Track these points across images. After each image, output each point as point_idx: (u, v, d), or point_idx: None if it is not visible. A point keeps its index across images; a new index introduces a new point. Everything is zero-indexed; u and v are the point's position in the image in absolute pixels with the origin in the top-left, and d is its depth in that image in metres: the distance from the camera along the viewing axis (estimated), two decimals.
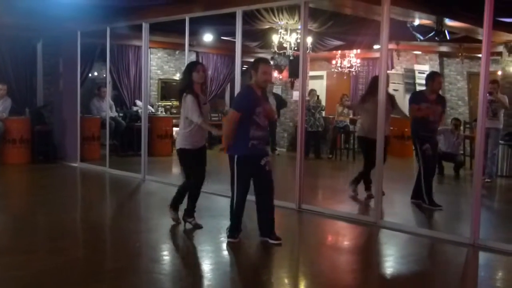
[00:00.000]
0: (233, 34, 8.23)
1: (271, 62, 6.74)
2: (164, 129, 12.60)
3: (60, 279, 4.39)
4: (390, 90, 8.38)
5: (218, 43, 12.88)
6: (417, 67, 14.06)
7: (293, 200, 7.05)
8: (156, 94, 14.28)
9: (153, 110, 13.18)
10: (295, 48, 10.96)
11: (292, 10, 9.29)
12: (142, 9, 9.15)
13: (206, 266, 4.97)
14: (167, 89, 14.48)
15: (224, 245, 5.56)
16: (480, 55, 5.66)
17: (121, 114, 12.45)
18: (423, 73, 13.82)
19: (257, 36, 11.54)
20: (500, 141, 9.82)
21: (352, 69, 14.39)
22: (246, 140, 5.31)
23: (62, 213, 6.84)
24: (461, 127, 11.21)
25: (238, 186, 5.42)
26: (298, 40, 10.44)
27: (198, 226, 5.99)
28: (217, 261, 5.10)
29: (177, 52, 14.38)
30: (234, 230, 5.52)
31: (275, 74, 14.35)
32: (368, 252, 5.74)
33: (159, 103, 14.09)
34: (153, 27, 9.55)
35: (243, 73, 8.06)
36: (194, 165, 6.00)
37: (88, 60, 12.04)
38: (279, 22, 10.32)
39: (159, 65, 14.40)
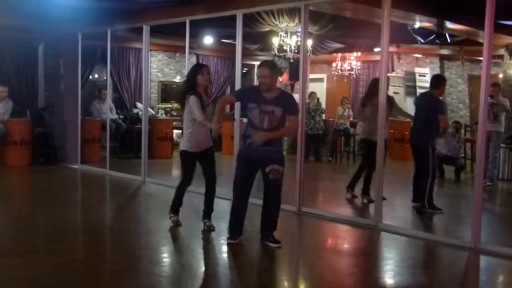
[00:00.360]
0: (233, 37, 8.22)
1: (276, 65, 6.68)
2: (164, 131, 12.61)
3: (60, 281, 4.39)
4: (390, 93, 8.36)
5: (218, 45, 12.89)
6: (417, 70, 14.06)
7: (293, 203, 7.04)
8: (157, 97, 14.30)
9: (153, 113, 13.18)
10: (295, 51, 10.97)
11: (292, 12, 9.29)
12: (143, 11, 9.16)
13: (206, 268, 4.96)
14: (167, 92, 14.50)
15: (224, 248, 5.55)
16: (481, 58, 5.66)
17: (121, 116, 12.46)
18: (424, 76, 13.86)
19: (257, 38, 11.54)
20: (502, 145, 9.80)
21: (353, 72, 14.40)
22: (245, 138, 5.46)
23: (62, 214, 6.84)
24: (462, 130, 11.20)
25: (235, 183, 5.52)
26: (299, 43, 10.44)
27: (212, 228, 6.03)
28: (217, 264, 5.09)
29: (177, 54, 14.40)
30: (232, 231, 5.52)
31: None
32: (368, 255, 5.72)
33: (160, 106, 14.11)
34: (154, 30, 9.56)
35: (243, 75, 8.06)
36: (190, 167, 6.02)
37: (89, 62, 12.07)
38: (279, 25, 10.32)
39: (160, 67, 14.42)
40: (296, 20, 9.69)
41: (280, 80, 14.76)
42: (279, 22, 10.09)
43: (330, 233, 6.55)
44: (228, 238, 5.52)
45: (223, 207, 7.39)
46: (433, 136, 7.22)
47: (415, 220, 7.11)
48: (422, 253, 5.74)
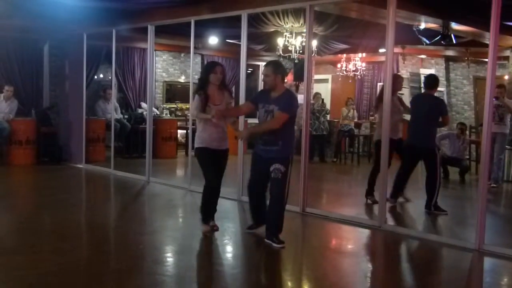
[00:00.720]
0: (238, 37, 8.23)
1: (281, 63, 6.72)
2: (169, 131, 12.62)
3: (64, 280, 4.40)
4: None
5: (223, 46, 12.89)
6: (422, 71, 14.04)
7: (297, 204, 7.03)
8: (161, 97, 14.32)
9: (158, 113, 13.20)
10: (300, 52, 10.96)
11: (297, 13, 9.29)
12: (148, 11, 9.17)
13: (210, 268, 4.96)
14: (172, 92, 14.51)
15: (228, 248, 5.56)
16: (486, 60, 5.64)
17: (126, 116, 12.49)
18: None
19: (262, 39, 11.54)
20: (507, 146, 9.77)
21: (358, 73, 14.39)
22: (256, 138, 5.65)
23: (66, 214, 6.85)
24: (467, 132, 11.17)
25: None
26: (303, 43, 10.44)
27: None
28: (220, 264, 5.10)
29: (182, 54, 14.41)
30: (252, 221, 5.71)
31: None
32: (372, 256, 5.72)
33: (164, 106, 14.12)
34: (159, 30, 9.57)
35: (248, 76, 8.07)
36: (207, 165, 5.75)
37: (94, 62, 12.11)
38: (284, 25, 10.32)
39: (164, 67, 14.43)
40: (301, 21, 9.69)
41: (285, 80, 14.75)
42: (284, 23, 10.09)
43: (334, 234, 6.55)
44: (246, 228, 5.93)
45: (227, 207, 7.42)
46: (435, 139, 7.25)
47: (419, 221, 7.10)
48: (426, 255, 5.72)
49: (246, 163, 7.71)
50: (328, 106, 13.97)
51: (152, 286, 4.36)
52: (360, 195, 7.93)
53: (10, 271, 4.53)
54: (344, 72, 14.37)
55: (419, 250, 5.86)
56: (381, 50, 11.98)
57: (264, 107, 5.49)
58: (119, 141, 11.66)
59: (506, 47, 10.85)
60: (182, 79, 14.59)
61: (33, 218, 6.75)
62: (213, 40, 12.16)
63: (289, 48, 11.12)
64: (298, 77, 13.49)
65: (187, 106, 12.64)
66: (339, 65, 14.46)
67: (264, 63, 6.83)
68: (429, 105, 7.23)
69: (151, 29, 9.29)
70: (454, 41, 9.42)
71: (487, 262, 5.42)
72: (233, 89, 15.32)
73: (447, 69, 14.48)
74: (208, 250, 5.52)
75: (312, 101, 12.03)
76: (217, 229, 5.89)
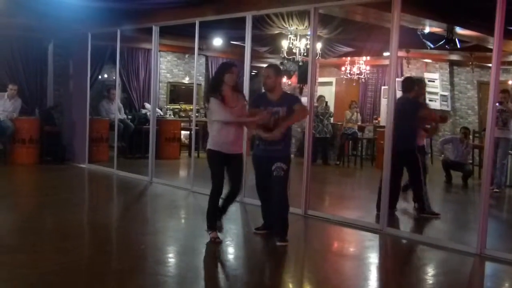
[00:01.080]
0: (242, 39, 8.24)
1: (280, 67, 6.74)
2: (172, 132, 12.63)
3: (66, 279, 4.41)
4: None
5: (227, 47, 12.90)
6: (427, 75, 14.03)
7: (299, 206, 7.03)
8: (165, 97, 14.33)
9: (161, 113, 13.22)
10: (305, 54, 10.97)
11: (302, 15, 9.30)
12: (153, 12, 9.19)
13: (212, 269, 4.97)
14: (176, 93, 14.53)
15: (230, 249, 5.56)
16: (490, 64, 5.64)
17: (129, 117, 12.51)
18: (433, 81, 13.84)
19: (266, 41, 11.56)
20: (510, 151, 9.74)
21: (362, 76, 14.39)
22: (255, 140, 5.83)
23: (69, 213, 6.87)
24: (470, 136, 11.15)
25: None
26: (308, 46, 10.44)
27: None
28: (222, 264, 5.10)
29: (186, 55, 14.43)
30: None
31: (284, 79, 14.35)
32: (373, 260, 5.71)
33: (168, 106, 14.14)
34: (163, 31, 9.59)
35: (252, 78, 8.08)
36: (216, 169, 5.60)
37: (98, 62, 12.13)
38: (289, 28, 10.33)
39: (169, 68, 14.45)
40: (306, 23, 9.70)
41: (289, 83, 14.78)
42: (289, 25, 10.10)
43: (336, 236, 6.55)
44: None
45: (230, 209, 7.42)
46: (416, 139, 7.20)
47: (421, 225, 7.09)
48: (427, 258, 5.72)
49: (248, 164, 7.72)
50: (332, 109, 13.97)
51: (153, 287, 4.36)
52: (362, 198, 7.93)
53: (12, 269, 4.54)
54: (348, 75, 14.38)
55: (420, 254, 5.85)
56: (385, 54, 11.98)
57: (267, 110, 5.55)
58: (122, 141, 11.68)
59: (510, 52, 10.83)
60: (186, 80, 14.60)
61: (36, 217, 6.76)
62: (217, 41, 12.18)
63: (294, 51, 11.13)
64: (302, 79, 13.49)
65: (191, 107, 12.65)
66: (343, 68, 14.47)
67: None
68: (403, 107, 7.11)
69: (155, 30, 9.31)
70: (458, 46, 9.41)
71: (489, 267, 5.41)
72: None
73: (451, 73, 14.46)
74: (210, 251, 5.51)
75: (316, 104, 12.02)
76: (221, 230, 5.73)
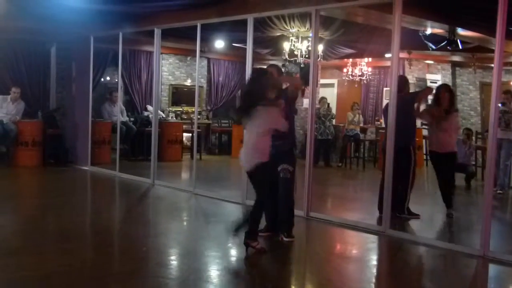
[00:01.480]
0: (244, 41, 8.25)
1: (282, 70, 6.75)
2: (174, 134, 12.66)
3: (68, 281, 4.41)
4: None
5: (229, 49, 12.92)
6: (429, 76, 14.02)
7: (301, 208, 7.02)
8: (167, 100, 14.35)
9: (163, 116, 13.23)
10: (306, 56, 10.97)
11: (303, 17, 9.30)
12: (154, 15, 9.20)
13: (213, 271, 4.96)
14: (178, 95, 14.54)
15: (232, 251, 5.55)
16: (493, 65, 5.63)
17: (132, 119, 12.53)
18: (435, 82, 13.81)
19: (268, 43, 11.56)
20: None
21: (363, 78, 14.38)
22: None
23: (71, 215, 6.88)
24: (473, 138, 11.13)
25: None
26: (309, 48, 10.44)
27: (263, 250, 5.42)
28: (224, 267, 5.09)
29: (188, 58, 14.45)
30: (254, 234, 5.45)
31: None
32: (375, 262, 5.70)
33: (170, 109, 14.16)
34: (165, 33, 9.60)
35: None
36: (268, 181, 5.50)
37: (100, 65, 12.16)
38: (290, 30, 10.33)
39: (171, 70, 14.47)
40: (307, 25, 9.70)
41: None
42: (290, 27, 10.09)
43: (338, 239, 6.53)
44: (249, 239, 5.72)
45: (231, 210, 7.43)
46: (414, 136, 7.17)
47: (424, 226, 7.08)
48: (430, 260, 5.71)
49: None
50: (333, 110, 13.96)
51: None
52: (364, 200, 7.92)
53: (15, 271, 4.55)
54: (350, 76, 14.36)
55: (423, 256, 5.84)
56: (387, 55, 11.97)
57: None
58: (124, 143, 11.69)
59: None
60: (188, 82, 14.62)
61: (39, 219, 6.77)
62: (219, 43, 12.19)
63: (295, 53, 11.13)
64: (304, 81, 13.47)
65: (193, 110, 12.66)
66: (345, 70, 14.46)
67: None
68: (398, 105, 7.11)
69: (157, 33, 9.32)
70: (460, 47, 9.39)
71: (492, 268, 5.39)
72: (239, 93, 15.38)
73: (453, 74, 14.45)
74: (211, 253, 5.51)
75: (317, 106, 12.02)
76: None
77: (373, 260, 5.78)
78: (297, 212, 6.82)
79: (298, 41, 10.94)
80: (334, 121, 13.37)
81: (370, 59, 13.93)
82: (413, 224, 7.11)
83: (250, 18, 7.78)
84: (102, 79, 13.08)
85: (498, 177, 8.97)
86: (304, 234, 6.68)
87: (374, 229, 6.47)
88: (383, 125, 7.95)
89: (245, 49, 8.16)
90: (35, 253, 5.12)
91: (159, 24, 9.27)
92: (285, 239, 5.70)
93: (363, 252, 6.02)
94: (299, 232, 6.58)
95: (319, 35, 8.12)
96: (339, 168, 12.74)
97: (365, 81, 14.62)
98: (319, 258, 5.58)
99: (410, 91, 7.68)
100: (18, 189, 9.07)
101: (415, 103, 7.25)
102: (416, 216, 7.12)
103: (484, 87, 13.87)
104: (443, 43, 9.16)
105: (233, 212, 7.39)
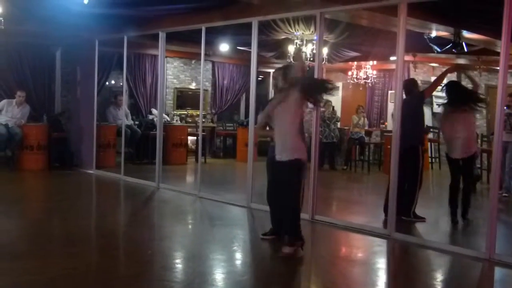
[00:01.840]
0: (249, 44, 8.25)
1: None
2: (179, 137, 12.66)
3: (73, 285, 4.42)
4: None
5: (234, 53, 12.93)
6: (434, 79, 13.96)
7: (306, 211, 7.01)
8: (172, 103, 14.36)
9: (168, 119, 13.25)
10: (311, 59, 10.96)
11: (308, 20, 9.30)
12: (159, 18, 9.22)
13: (218, 275, 4.95)
14: (182, 98, 14.55)
15: (237, 255, 5.55)
16: (498, 68, 5.62)
17: (136, 122, 12.55)
18: (440, 85, 13.74)
19: (273, 46, 11.56)
20: None
21: (368, 81, 14.36)
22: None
23: (76, 219, 6.88)
24: (479, 140, 11.08)
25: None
26: (314, 51, 10.43)
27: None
28: (229, 270, 5.08)
29: (193, 61, 14.46)
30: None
31: None
32: (381, 265, 5.68)
33: (175, 112, 14.17)
34: (170, 36, 9.62)
35: (258, 83, 8.08)
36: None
37: (105, 68, 12.19)
38: (295, 33, 10.33)
39: (175, 74, 14.48)
40: (312, 28, 9.70)
41: None
42: (295, 30, 10.10)
43: (343, 242, 6.52)
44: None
45: (236, 213, 7.43)
46: (421, 136, 7.11)
47: (429, 230, 7.05)
48: (436, 264, 5.68)
49: (255, 170, 7.72)
50: (338, 113, 13.94)
51: None
52: (370, 203, 7.90)
53: (21, 275, 4.55)
54: (355, 79, 14.35)
55: (429, 259, 5.81)
56: (392, 58, 11.95)
57: None
58: (129, 147, 11.71)
59: None
60: (193, 85, 14.63)
61: (44, 223, 6.79)
62: (224, 47, 12.20)
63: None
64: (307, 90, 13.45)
65: (198, 113, 12.67)
66: (349, 73, 14.45)
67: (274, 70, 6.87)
68: (406, 106, 7.07)
69: (162, 36, 9.34)
70: (465, 49, 9.36)
71: (498, 271, 5.37)
72: (244, 96, 15.41)
73: (458, 77, 14.38)
74: (216, 256, 5.51)
75: (322, 109, 12.01)
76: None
77: (379, 263, 5.76)
78: (302, 215, 6.79)
79: (303, 44, 10.94)
80: (339, 124, 13.35)
81: (375, 62, 13.92)
82: (419, 227, 7.09)
83: (254, 21, 7.79)
84: (107, 83, 13.11)
85: (503, 180, 8.93)
86: (309, 237, 6.66)
87: (380, 232, 6.45)
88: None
89: (249, 52, 8.16)
90: (41, 257, 5.12)
91: (164, 28, 9.28)
92: (285, 251, 5.36)
93: (368, 255, 6.00)
94: (305, 235, 6.55)
95: (324, 38, 8.11)
96: (344, 171, 12.72)
97: (370, 84, 14.60)
98: (324, 261, 5.57)
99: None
100: (23, 193, 9.09)
101: (423, 101, 7.20)
102: (421, 219, 7.10)
103: (490, 90, 13.81)
104: (448, 46, 9.14)
105: (239, 215, 7.39)
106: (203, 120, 10.90)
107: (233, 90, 15.22)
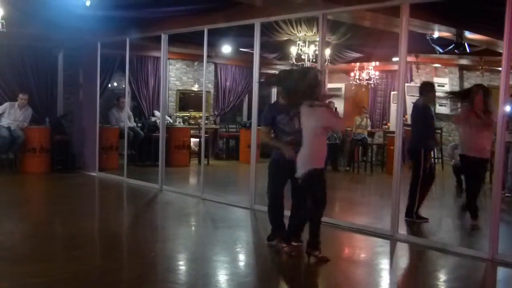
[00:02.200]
0: (251, 46, 8.25)
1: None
2: (182, 139, 12.65)
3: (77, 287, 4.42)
4: (408, 103, 8.27)
5: (236, 54, 12.92)
6: (436, 80, 13.94)
7: None
8: (174, 105, 14.38)
9: (171, 121, 13.26)
10: (313, 60, 10.96)
11: (310, 22, 9.29)
12: (161, 20, 9.24)
13: (222, 276, 4.96)
14: (185, 100, 14.57)
15: (241, 256, 5.55)
16: (500, 68, 5.61)
17: (139, 125, 12.56)
18: (443, 86, 13.75)
19: (275, 47, 11.56)
20: None
21: (371, 82, 14.36)
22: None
23: (79, 221, 6.89)
24: None
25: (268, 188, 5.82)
26: (316, 52, 10.44)
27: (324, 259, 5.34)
28: (232, 272, 5.08)
29: (195, 63, 14.48)
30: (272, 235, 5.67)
31: None
32: (384, 266, 5.68)
33: (177, 114, 14.18)
34: (172, 38, 9.63)
35: (260, 85, 8.09)
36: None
37: (107, 70, 12.20)
38: (297, 34, 10.33)
39: (178, 76, 14.50)
40: (314, 29, 9.70)
41: None
42: (297, 31, 10.09)
43: (346, 243, 6.52)
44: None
45: (239, 215, 7.43)
46: (423, 141, 7.10)
47: (432, 230, 7.04)
48: (439, 264, 5.67)
49: (258, 171, 7.72)
50: (341, 114, 13.93)
51: None
52: (373, 204, 7.89)
53: (24, 278, 4.55)
54: (358, 80, 14.34)
55: (432, 260, 5.81)
56: (395, 59, 11.94)
57: (289, 115, 5.56)
58: (132, 149, 11.71)
59: None
60: (195, 87, 14.64)
61: (47, 225, 6.79)
62: (226, 48, 12.21)
63: (302, 57, 11.12)
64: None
65: (200, 115, 12.68)
66: (352, 74, 14.45)
67: (276, 72, 6.86)
68: (414, 110, 7.25)
69: (164, 38, 9.35)
70: (467, 50, 9.35)
71: (501, 272, 5.37)
72: (246, 97, 15.41)
73: (461, 78, 14.37)
74: (220, 258, 5.51)
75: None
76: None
77: (382, 264, 5.75)
78: None
79: (305, 46, 10.94)
80: None
81: (377, 63, 13.91)
82: (422, 227, 7.08)
83: (257, 23, 7.80)
84: (110, 85, 13.12)
85: (506, 180, 8.90)
86: None
87: (383, 233, 6.44)
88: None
89: (252, 54, 8.16)
90: (44, 260, 5.13)
91: (166, 30, 9.29)
92: (285, 249, 5.46)
93: (372, 256, 6.00)
94: (307, 236, 6.56)
95: (326, 39, 8.11)
96: (347, 172, 12.71)
97: (372, 85, 14.60)
98: (327, 263, 5.55)
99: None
100: (26, 196, 9.11)
101: (426, 106, 7.21)
102: (424, 220, 7.09)
103: (492, 91, 13.77)
104: (451, 47, 9.13)
105: (242, 217, 7.39)
106: (206, 121, 10.89)
107: (235, 92, 15.23)
